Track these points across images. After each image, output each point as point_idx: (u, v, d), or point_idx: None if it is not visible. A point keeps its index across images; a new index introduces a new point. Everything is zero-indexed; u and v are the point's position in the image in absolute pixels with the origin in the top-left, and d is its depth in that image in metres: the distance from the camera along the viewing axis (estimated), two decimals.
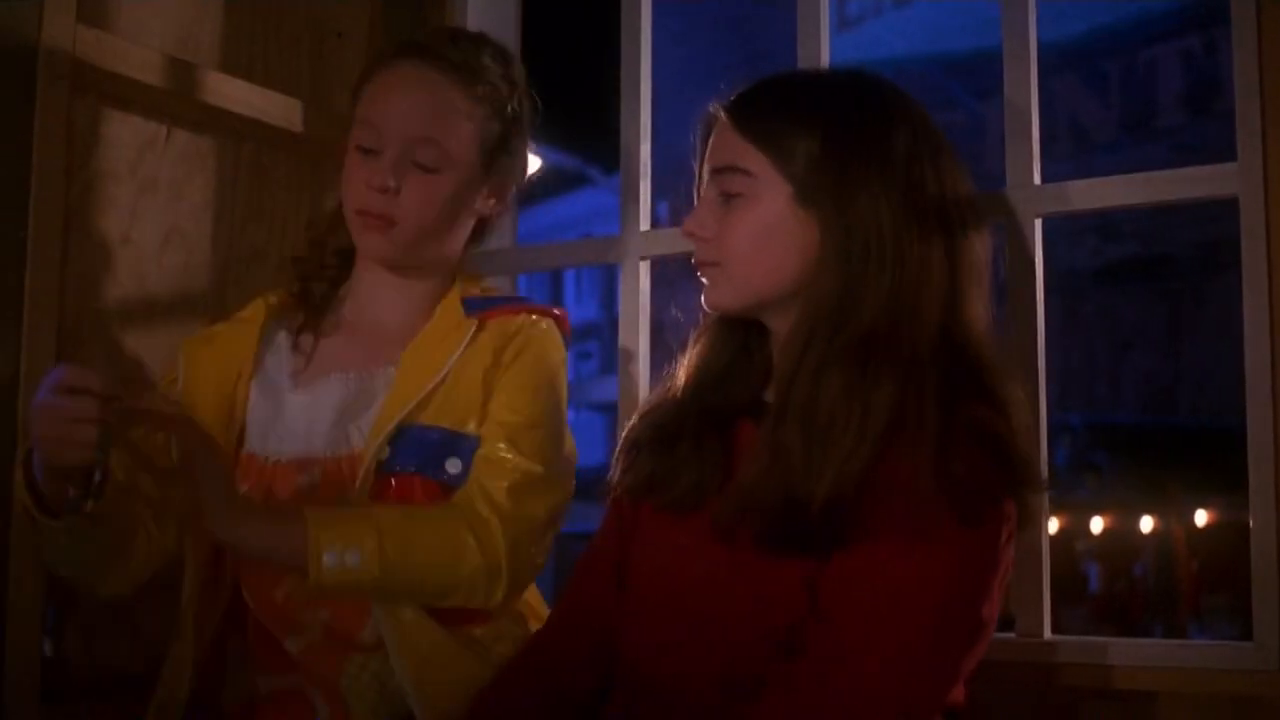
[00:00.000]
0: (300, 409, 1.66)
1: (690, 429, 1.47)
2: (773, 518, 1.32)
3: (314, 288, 1.75)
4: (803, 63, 1.96)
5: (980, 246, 1.43)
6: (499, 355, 1.64)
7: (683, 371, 1.53)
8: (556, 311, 1.75)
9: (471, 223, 1.75)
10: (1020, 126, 1.81)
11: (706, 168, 1.47)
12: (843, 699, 1.26)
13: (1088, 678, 1.67)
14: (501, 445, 1.60)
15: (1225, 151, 1.70)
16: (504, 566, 1.54)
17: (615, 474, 1.54)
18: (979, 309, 1.41)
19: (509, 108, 1.71)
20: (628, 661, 1.48)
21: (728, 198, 1.43)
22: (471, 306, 1.69)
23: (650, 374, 2.03)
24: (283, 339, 1.72)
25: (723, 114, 1.46)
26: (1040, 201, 1.79)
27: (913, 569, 1.28)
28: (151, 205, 1.92)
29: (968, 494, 1.28)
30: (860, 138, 1.39)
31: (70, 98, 1.74)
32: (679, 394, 1.51)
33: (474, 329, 1.66)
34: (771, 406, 1.39)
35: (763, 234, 1.41)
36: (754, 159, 1.41)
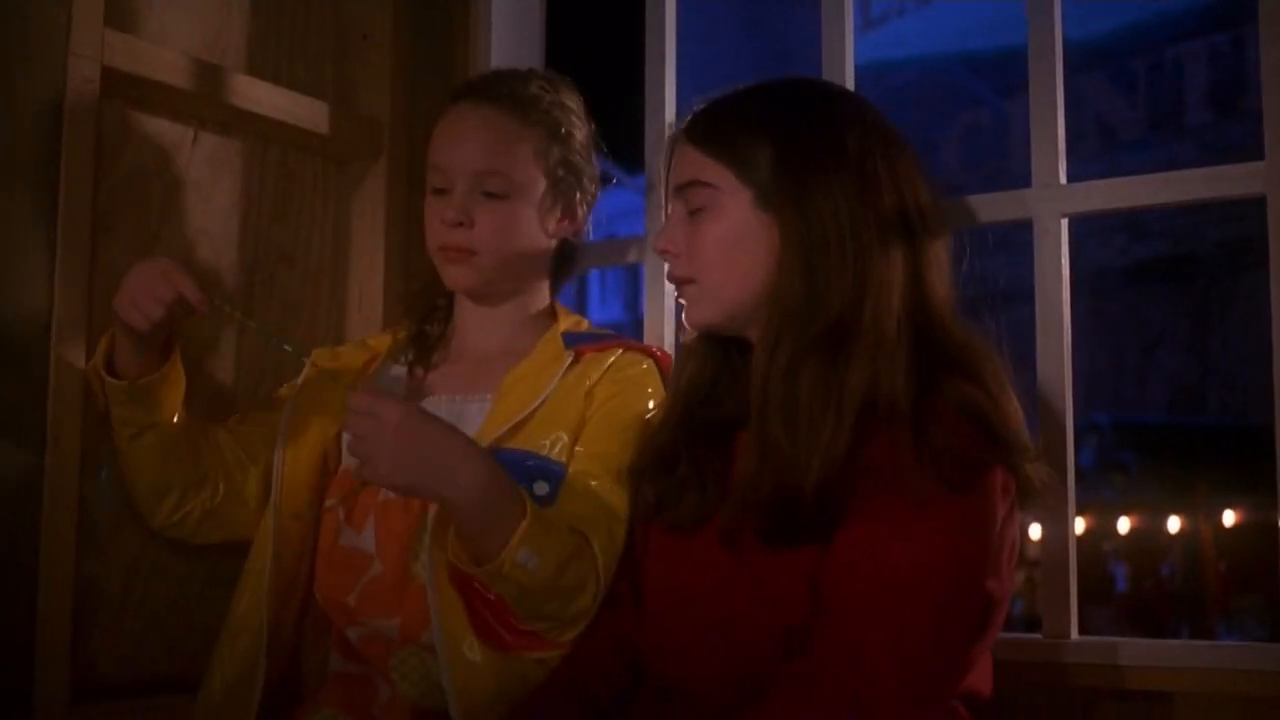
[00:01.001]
0: None
1: (686, 449, 1.50)
2: (770, 512, 1.34)
3: (428, 329, 1.85)
4: (827, 62, 1.96)
5: (940, 238, 1.46)
6: (593, 388, 1.70)
7: (672, 395, 1.57)
8: (657, 352, 1.80)
9: (550, 246, 1.82)
10: (1046, 125, 1.80)
11: (671, 188, 1.51)
12: (849, 694, 1.26)
13: (1116, 679, 1.66)
14: (605, 480, 1.63)
15: (1253, 150, 1.69)
16: (580, 625, 1.58)
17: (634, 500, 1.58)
18: (943, 293, 1.44)
19: (563, 129, 1.79)
20: (646, 667, 1.51)
21: (694, 212, 1.46)
22: (571, 341, 1.76)
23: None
24: (398, 370, 1.82)
25: (682, 133, 1.50)
26: (1066, 201, 1.78)
27: (905, 550, 1.29)
28: (179, 207, 1.93)
29: (951, 464, 1.29)
30: (811, 136, 1.43)
31: (98, 101, 1.75)
32: (672, 417, 1.54)
33: (570, 360, 1.72)
34: (753, 407, 1.40)
35: (731, 243, 1.44)
36: (714, 171, 1.45)
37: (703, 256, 1.46)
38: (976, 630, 1.33)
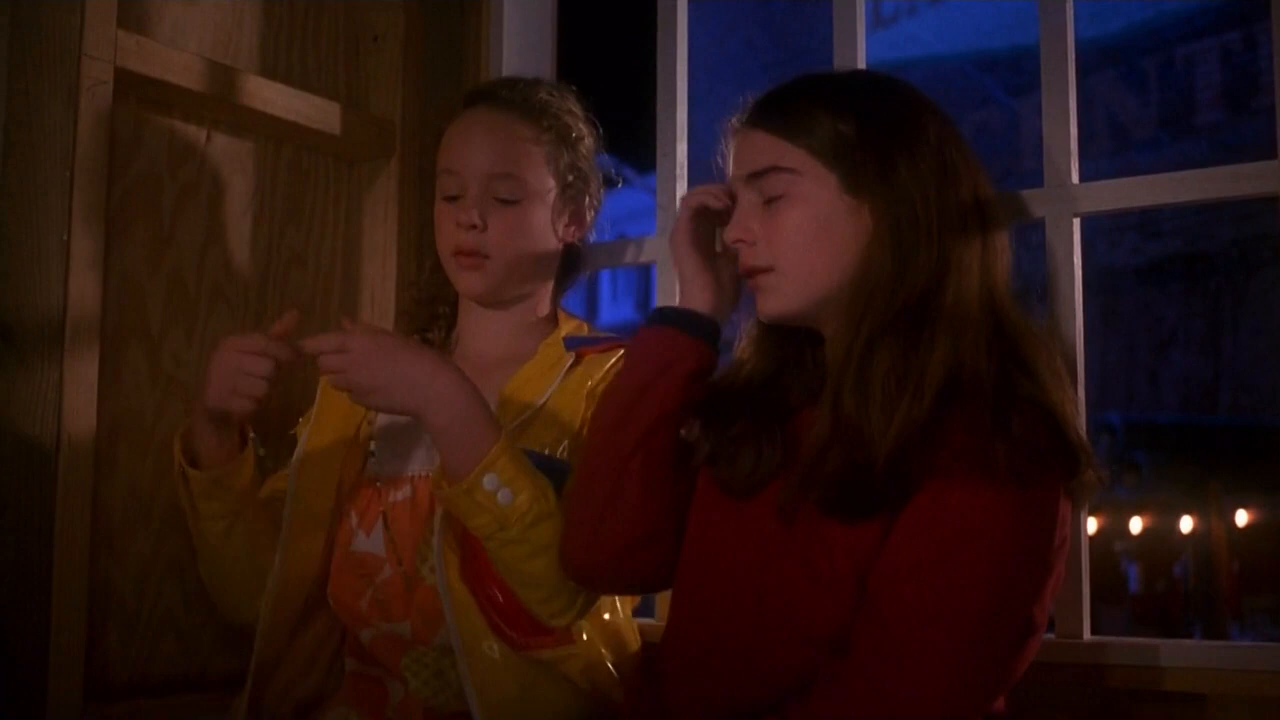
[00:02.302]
0: (407, 435, 1.74)
1: (748, 412, 1.47)
2: (838, 484, 1.32)
3: (430, 338, 1.88)
4: (838, 61, 1.96)
5: (1004, 229, 1.46)
6: (594, 388, 1.71)
7: (732, 371, 1.54)
8: None
9: (558, 251, 1.83)
10: (1058, 125, 1.80)
11: (741, 176, 1.47)
12: (889, 697, 1.26)
13: (1128, 679, 1.66)
14: None
15: (1265, 148, 1.69)
16: (574, 610, 1.59)
17: None
18: (1007, 282, 1.44)
19: (573, 134, 1.81)
20: (675, 656, 1.48)
21: (770, 200, 1.43)
22: (572, 344, 1.77)
23: None
24: None
25: (747, 121, 1.47)
26: (1079, 200, 1.78)
27: (961, 564, 1.27)
28: (192, 208, 1.94)
29: (1025, 456, 1.28)
30: (895, 120, 1.42)
31: (111, 102, 1.75)
32: (733, 388, 1.51)
33: (571, 361, 1.74)
34: (829, 382, 1.38)
35: (819, 229, 1.41)
36: (794, 155, 1.42)
37: (785, 243, 1.42)
38: (1016, 651, 1.32)
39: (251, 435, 1.75)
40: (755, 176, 1.44)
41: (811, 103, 1.43)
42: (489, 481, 1.51)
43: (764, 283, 1.45)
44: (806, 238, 1.41)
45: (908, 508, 1.30)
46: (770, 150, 1.43)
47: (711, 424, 1.49)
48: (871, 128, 1.40)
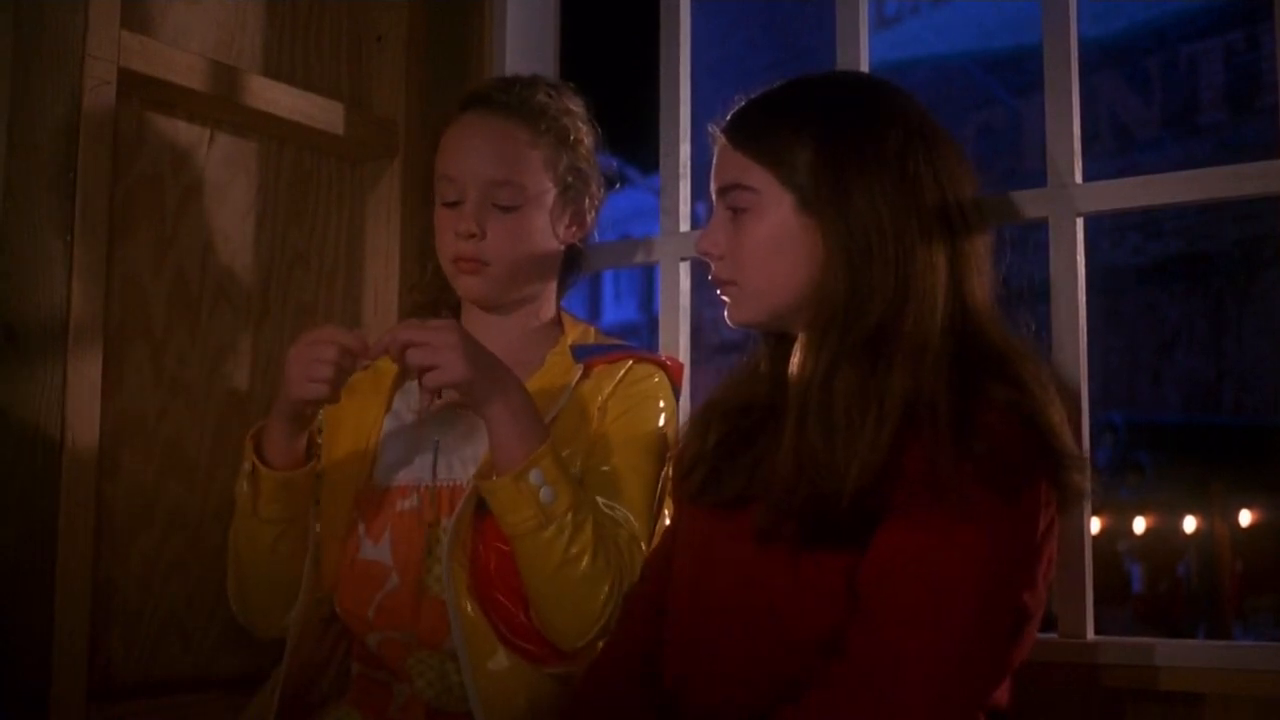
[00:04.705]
0: (414, 441, 1.74)
1: (745, 430, 1.47)
2: (805, 518, 1.33)
3: None
4: (841, 61, 1.96)
5: (982, 239, 1.45)
6: (605, 402, 1.71)
7: (731, 376, 1.55)
8: (668, 362, 1.80)
9: (559, 253, 1.83)
10: (1061, 124, 1.80)
11: (714, 187, 1.50)
12: (885, 700, 1.25)
13: (1132, 679, 1.66)
14: (616, 504, 1.66)
15: (1268, 148, 1.68)
16: (597, 628, 1.59)
17: (675, 478, 1.56)
18: (984, 296, 1.43)
19: (571, 136, 1.80)
20: (671, 664, 1.48)
21: (736, 213, 1.46)
22: (580, 354, 1.76)
23: (690, 375, 2.02)
24: (410, 385, 1.80)
25: (721, 134, 1.49)
26: (1082, 200, 1.78)
27: (950, 561, 1.27)
28: (195, 209, 1.94)
29: (994, 470, 1.28)
30: (851, 139, 1.41)
31: (114, 103, 1.75)
32: (729, 404, 1.52)
33: (579, 375, 1.73)
34: (791, 411, 1.39)
35: (772, 247, 1.43)
36: (755, 174, 1.44)
37: (744, 259, 1.45)
38: (1011, 642, 1.32)
39: (319, 425, 1.73)
40: (724, 190, 1.47)
41: (772, 121, 1.45)
42: (534, 476, 1.53)
43: (730, 294, 1.49)
44: (764, 254, 1.44)
45: (887, 525, 1.30)
46: (735, 166, 1.46)
47: (713, 456, 1.48)
48: (827, 149, 1.41)
